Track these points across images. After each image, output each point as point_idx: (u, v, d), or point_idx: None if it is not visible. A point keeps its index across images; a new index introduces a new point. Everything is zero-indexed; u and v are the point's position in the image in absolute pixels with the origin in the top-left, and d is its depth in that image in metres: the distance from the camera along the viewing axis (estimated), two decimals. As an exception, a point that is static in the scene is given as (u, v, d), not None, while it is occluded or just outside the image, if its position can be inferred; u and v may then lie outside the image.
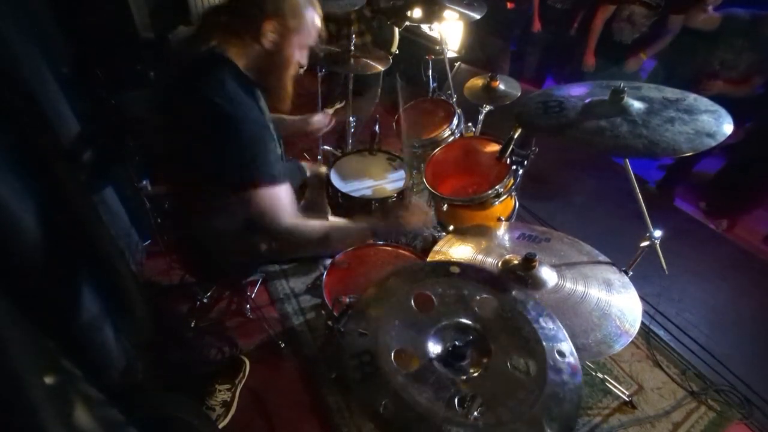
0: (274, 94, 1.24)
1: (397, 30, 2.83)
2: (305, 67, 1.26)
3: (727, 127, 1.05)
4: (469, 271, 1.04)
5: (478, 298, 0.97)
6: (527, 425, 0.74)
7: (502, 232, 1.49)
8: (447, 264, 1.05)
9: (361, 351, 0.85)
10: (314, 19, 1.19)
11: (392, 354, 0.84)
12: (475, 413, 0.75)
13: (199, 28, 1.18)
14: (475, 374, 0.83)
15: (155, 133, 1.35)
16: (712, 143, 1.02)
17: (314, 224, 1.24)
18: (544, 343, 0.86)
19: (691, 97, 1.18)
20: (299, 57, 1.21)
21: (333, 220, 1.40)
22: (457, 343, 0.87)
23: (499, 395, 0.79)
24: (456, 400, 0.77)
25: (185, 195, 1.35)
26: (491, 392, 0.79)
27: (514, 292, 0.98)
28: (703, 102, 1.15)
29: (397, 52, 2.90)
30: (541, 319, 0.92)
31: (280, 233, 1.16)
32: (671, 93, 1.21)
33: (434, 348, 0.88)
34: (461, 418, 0.75)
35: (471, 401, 0.76)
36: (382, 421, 0.75)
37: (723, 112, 1.11)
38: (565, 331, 0.89)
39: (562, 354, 0.85)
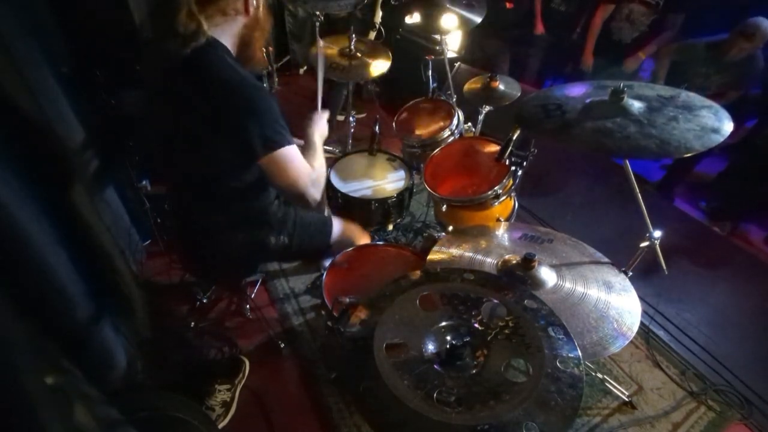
0: (254, 59, 1.31)
1: None
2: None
3: (728, 123, 1.05)
4: (482, 278, 1.07)
5: (486, 303, 0.98)
6: (504, 425, 0.75)
7: (502, 232, 1.49)
8: (461, 271, 1.09)
9: (359, 336, 0.91)
10: None
11: (385, 344, 0.88)
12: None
13: (191, 28, 1.15)
14: (467, 374, 0.85)
15: (159, 129, 1.35)
16: (720, 139, 1.01)
17: (318, 166, 1.36)
18: (545, 351, 0.86)
19: (684, 94, 1.18)
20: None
21: (313, 154, 1.42)
22: (454, 342, 0.89)
23: (483, 395, 0.80)
24: (435, 393, 0.80)
25: (197, 185, 1.35)
26: (475, 391, 0.81)
27: (526, 301, 0.99)
28: (697, 98, 1.16)
29: (380, 21, 2.86)
30: (549, 329, 0.92)
31: (307, 184, 1.25)
32: (664, 90, 1.21)
33: (430, 344, 0.91)
34: (436, 409, 0.77)
35: (448, 395, 0.79)
36: (361, 400, 0.81)
37: (718, 107, 1.12)
38: (575, 342, 0.89)
39: (564, 363, 0.84)
